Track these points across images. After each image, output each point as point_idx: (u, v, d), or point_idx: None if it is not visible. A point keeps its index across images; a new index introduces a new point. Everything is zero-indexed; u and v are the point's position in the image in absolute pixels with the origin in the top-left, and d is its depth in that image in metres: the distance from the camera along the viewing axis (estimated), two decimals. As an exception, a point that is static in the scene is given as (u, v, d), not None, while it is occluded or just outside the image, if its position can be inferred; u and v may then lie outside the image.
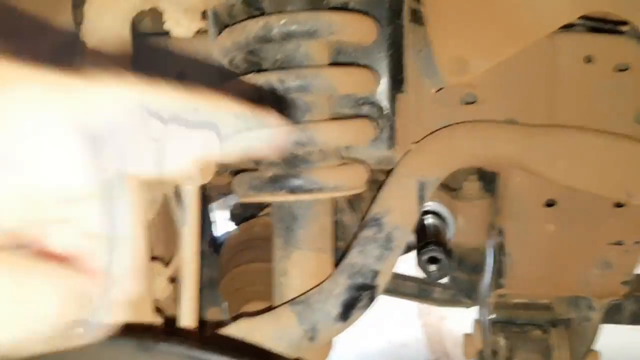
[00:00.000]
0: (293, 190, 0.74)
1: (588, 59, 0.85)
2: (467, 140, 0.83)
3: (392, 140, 0.89)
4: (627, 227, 0.93)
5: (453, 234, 1.18)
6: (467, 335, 1.14)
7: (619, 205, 0.92)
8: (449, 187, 1.18)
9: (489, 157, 0.85)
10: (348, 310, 0.71)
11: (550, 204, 0.93)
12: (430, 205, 1.19)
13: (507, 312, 1.13)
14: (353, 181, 0.78)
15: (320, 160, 0.77)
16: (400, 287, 1.50)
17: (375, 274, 0.72)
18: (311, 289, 0.73)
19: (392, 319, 2.74)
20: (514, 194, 0.94)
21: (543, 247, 0.97)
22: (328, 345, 0.81)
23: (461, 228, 1.16)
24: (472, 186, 1.08)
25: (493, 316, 1.12)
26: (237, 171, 0.82)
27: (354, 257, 0.74)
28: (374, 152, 0.90)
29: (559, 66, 0.86)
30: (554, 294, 1.02)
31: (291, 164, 0.76)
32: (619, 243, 0.94)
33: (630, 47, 0.84)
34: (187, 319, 0.65)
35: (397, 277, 1.49)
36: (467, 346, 1.12)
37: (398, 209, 0.76)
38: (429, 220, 1.18)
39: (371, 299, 0.72)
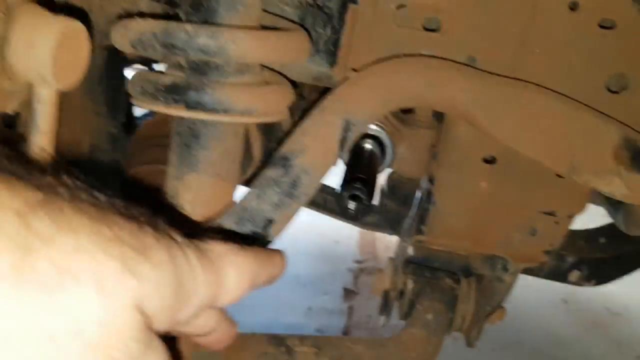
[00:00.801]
0: (191, 106, 0.62)
1: (573, 5, 0.72)
2: (412, 78, 0.71)
3: (334, 57, 0.77)
4: (563, 198, 0.86)
5: (390, 162, 1.09)
6: (379, 271, 1.10)
7: (560, 175, 0.84)
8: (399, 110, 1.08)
9: (434, 101, 0.74)
10: (231, 259, 0.62)
11: (488, 160, 0.84)
12: (371, 128, 1.09)
13: (423, 253, 1.09)
14: (270, 107, 0.66)
15: (235, 74, 0.64)
16: (329, 204, 1.43)
17: (269, 223, 0.62)
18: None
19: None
20: (454, 143, 0.84)
21: (471, 203, 0.89)
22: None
23: (401, 156, 1.06)
24: (425, 113, 0.97)
25: (408, 256, 1.07)
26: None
27: (248, 200, 0.63)
28: (311, 66, 0.78)
29: (539, 8, 0.73)
30: (472, 249, 0.97)
31: (197, 71, 0.63)
32: (550, 213, 0.88)
33: (621, 3, 0.71)
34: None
35: (323, 191, 1.42)
36: (377, 283, 1.08)
37: (313, 150, 0.65)
38: (367, 145, 1.08)
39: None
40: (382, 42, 0.75)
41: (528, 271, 1.28)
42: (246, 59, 0.60)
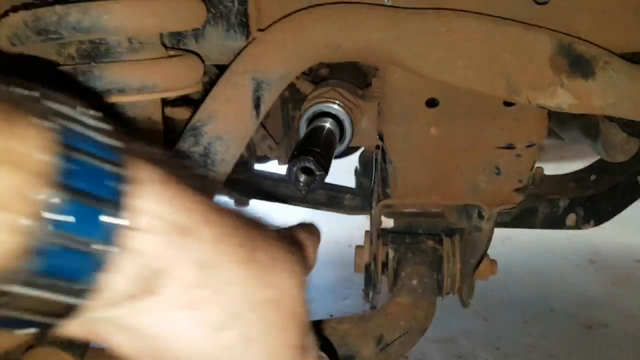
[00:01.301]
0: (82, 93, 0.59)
1: None
2: (322, 27, 0.68)
3: (246, 28, 0.74)
4: (518, 128, 0.81)
5: (350, 138, 1.06)
6: (358, 248, 1.05)
7: (508, 104, 0.79)
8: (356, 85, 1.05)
9: (351, 49, 0.70)
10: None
11: (431, 103, 0.80)
12: (329, 106, 1.06)
13: (401, 222, 1.04)
14: (172, 80, 0.63)
15: (128, 53, 0.62)
16: (309, 195, 1.39)
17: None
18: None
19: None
20: (393, 93, 0.81)
21: (426, 152, 0.85)
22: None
23: (365, 130, 1.03)
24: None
25: (384, 226, 1.02)
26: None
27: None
28: (228, 43, 0.75)
29: None
30: (443, 202, 0.92)
31: (87, 58, 0.60)
32: (509, 146, 0.83)
33: None
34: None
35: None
36: (357, 259, 1.03)
37: (224, 115, 0.62)
38: (324, 124, 1.05)
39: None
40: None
41: (523, 223, 1.23)
42: (125, 29, 0.58)
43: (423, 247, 0.98)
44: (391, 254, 0.98)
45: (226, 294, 0.33)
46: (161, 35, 0.68)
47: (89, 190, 0.27)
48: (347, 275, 2.79)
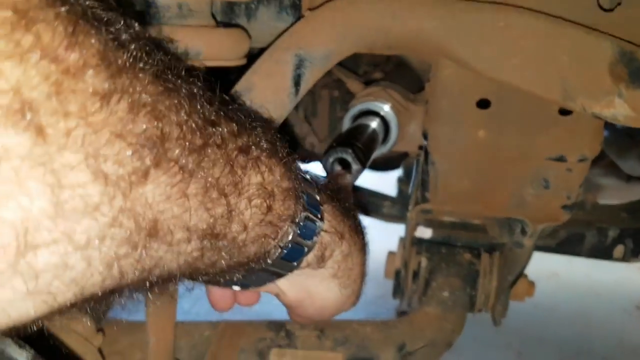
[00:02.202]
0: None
1: None
2: (373, 10, 0.66)
3: (298, 9, 0.73)
4: (571, 140, 0.77)
5: (395, 141, 1.03)
6: (390, 254, 1.02)
7: (564, 112, 0.75)
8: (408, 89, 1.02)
9: (402, 36, 0.68)
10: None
11: (483, 105, 0.77)
12: (377, 105, 1.04)
13: (440, 233, 1.00)
14: (216, 49, 0.62)
15: (177, 17, 0.61)
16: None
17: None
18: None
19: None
20: (442, 90, 0.78)
21: (472, 157, 0.81)
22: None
23: (412, 136, 1.00)
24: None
25: (420, 234, 0.99)
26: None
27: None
28: (279, 25, 0.74)
29: None
30: (485, 213, 0.88)
31: (135, 17, 0.60)
32: (560, 159, 0.78)
33: None
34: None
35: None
36: (388, 265, 1.00)
37: (262, 87, 0.61)
38: (370, 122, 1.03)
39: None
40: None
41: (568, 250, 1.17)
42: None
43: (459, 260, 0.94)
44: (424, 262, 0.95)
45: (352, 269, 0.53)
46: (212, 6, 0.67)
47: (313, 212, 0.47)
48: (382, 294, 2.74)
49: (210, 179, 0.31)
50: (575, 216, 1.12)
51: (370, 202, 1.35)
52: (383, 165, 1.88)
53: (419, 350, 0.83)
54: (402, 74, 1.20)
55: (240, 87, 0.61)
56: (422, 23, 0.66)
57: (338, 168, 0.82)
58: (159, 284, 0.35)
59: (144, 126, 0.27)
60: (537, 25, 0.65)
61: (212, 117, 0.33)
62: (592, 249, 1.15)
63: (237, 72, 0.67)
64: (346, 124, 0.99)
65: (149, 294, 0.37)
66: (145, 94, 0.27)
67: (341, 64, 1.26)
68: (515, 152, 0.79)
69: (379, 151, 0.99)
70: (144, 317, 0.77)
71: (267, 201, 0.38)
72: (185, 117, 0.29)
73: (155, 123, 0.27)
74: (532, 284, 0.96)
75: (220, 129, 0.33)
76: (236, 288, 0.52)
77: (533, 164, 0.80)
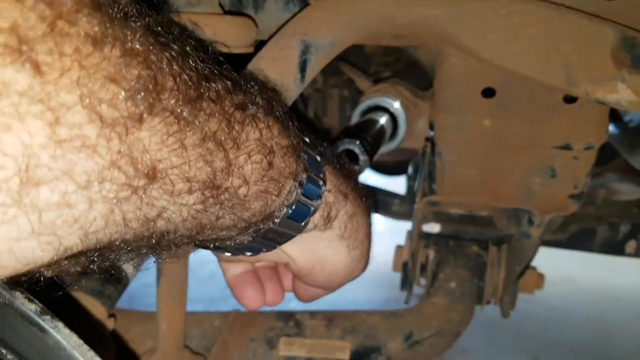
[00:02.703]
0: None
1: None
2: (377, -2, 0.67)
3: (304, 0, 0.75)
4: (576, 128, 0.77)
5: (403, 138, 1.04)
6: (398, 248, 1.03)
7: (568, 100, 0.75)
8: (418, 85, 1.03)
9: (406, 23, 0.69)
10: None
11: (488, 93, 0.78)
12: (387, 101, 1.05)
13: (448, 228, 1.01)
14: (222, 35, 0.64)
15: (185, 5, 0.63)
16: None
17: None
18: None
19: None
20: (448, 79, 0.79)
21: (478, 146, 0.82)
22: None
23: (421, 132, 1.01)
24: None
25: (428, 229, 0.99)
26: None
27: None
28: (286, 15, 0.75)
29: None
30: (492, 204, 0.88)
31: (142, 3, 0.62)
32: (566, 147, 0.79)
33: None
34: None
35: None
36: (396, 258, 1.01)
37: (268, 72, 0.62)
38: (379, 118, 1.04)
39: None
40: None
41: (579, 245, 1.16)
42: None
43: (466, 252, 0.94)
44: (432, 255, 0.95)
45: (358, 230, 0.55)
46: (220, -1, 0.69)
47: (315, 173, 0.48)
48: (393, 297, 2.73)
49: (207, 131, 0.32)
50: (586, 211, 1.12)
51: (380, 201, 1.36)
52: (393, 169, 1.89)
53: (426, 340, 0.83)
54: (411, 72, 1.21)
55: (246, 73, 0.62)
56: (426, 11, 0.67)
57: (345, 160, 0.83)
58: (166, 245, 0.35)
59: (137, 72, 0.28)
60: (539, 12, 0.66)
61: (206, 73, 0.34)
62: (603, 245, 1.15)
63: (244, 60, 0.69)
64: (355, 119, 1.00)
65: (159, 255, 0.37)
66: (137, 43, 0.28)
67: (351, 63, 1.28)
68: (521, 140, 0.80)
69: (387, 147, 1.00)
70: (155, 308, 0.78)
71: (267, 157, 0.39)
72: (178, 70, 0.31)
73: (148, 72, 0.29)
74: (541, 276, 0.96)
75: (215, 85, 0.34)
76: (247, 254, 0.52)
77: (539, 152, 0.80)
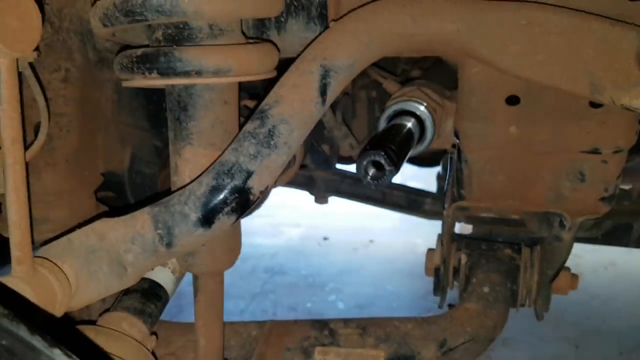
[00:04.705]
0: (163, 72, 0.63)
1: None
2: (395, 16, 0.68)
3: (325, 20, 0.76)
4: (604, 132, 0.76)
5: (430, 140, 1.04)
6: (429, 251, 1.03)
7: (594, 104, 0.75)
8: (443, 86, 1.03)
9: (425, 40, 0.69)
10: (212, 215, 0.61)
11: (512, 101, 0.77)
12: (413, 105, 1.05)
13: (480, 229, 1.01)
14: (246, 64, 0.66)
15: (208, 38, 0.65)
16: (387, 197, 1.38)
17: (248, 174, 0.61)
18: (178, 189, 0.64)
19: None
20: (470, 88, 0.79)
21: (505, 153, 0.82)
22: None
23: (450, 133, 1.01)
24: None
25: (460, 231, 0.99)
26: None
27: (226, 155, 0.63)
28: (307, 35, 0.77)
29: None
30: (523, 208, 0.88)
31: (170, 41, 0.64)
32: (594, 151, 0.78)
33: None
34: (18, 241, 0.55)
35: (385, 186, 1.38)
36: (428, 262, 1.01)
37: (290, 99, 0.63)
38: (406, 122, 1.04)
39: (243, 204, 0.62)
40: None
41: (615, 241, 1.15)
42: (203, 13, 0.61)
43: (499, 255, 0.94)
44: (464, 259, 0.95)
45: None
46: (242, 25, 0.71)
47: None
48: (431, 288, 2.73)
49: None
50: (621, 206, 1.11)
51: (411, 200, 1.37)
52: (426, 160, 1.88)
53: (460, 347, 0.84)
54: (440, 70, 1.21)
55: (269, 100, 0.64)
56: (444, 26, 0.68)
57: (372, 170, 0.84)
58: None
59: None
60: (560, 20, 0.66)
61: None
62: (640, 239, 1.13)
63: (266, 84, 0.71)
64: (382, 125, 1.01)
65: None
66: None
67: (378, 65, 1.28)
68: (549, 146, 0.79)
69: (415, 150, 1.00)
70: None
71: None
72: None
73: None
74: (575, 277, 0.96)
75: None
76: None
77: (567, 157, 0.79)
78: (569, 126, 0.77)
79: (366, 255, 2.82)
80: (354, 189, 1.41)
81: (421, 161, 1.85)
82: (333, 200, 1.55)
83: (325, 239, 3.05)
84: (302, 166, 1.37)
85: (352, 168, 1.46)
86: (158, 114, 1.13)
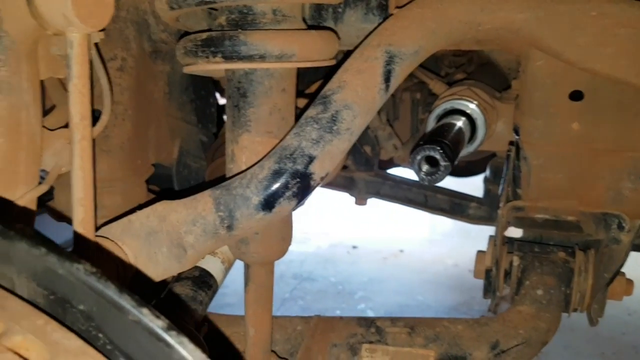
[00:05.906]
0: (228, 56, 0.63)
1: None
2: (462, 4, 0.67)
3: (386, 9, 0.75)
4: (672, 130, 0.74)
5: (481, 140, 1.02)
6: (479, 253, 1.01)
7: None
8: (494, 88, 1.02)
9: (492, 29, 0.68)
10: (273, 199, 0.60)
11: (576, 96, 0.75)
12: (465, 104, 1.03)
13: (531, 232, 0.98)
14: (309, 50, 0.65)
15: (272, 23, 0.65)
16: (430, 200, 1.36)
17: (310, 159, 0.60)
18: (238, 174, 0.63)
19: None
20: (534, 82, 0.77)
21: (566, 150, 0.80)
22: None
23: (499, 134, 0.99)
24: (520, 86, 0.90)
25: (511, 233, 0.97)
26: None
27: (288, 139, 0.62)
28: (366, 26, 0.76)
29: None
30: (580, 209, 0.86)
31: (234, 25, 0.64)
32: (660, 150, 0.75)
33: None
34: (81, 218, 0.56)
35: (427, 189, 1.36)
36: (478, 264, 0.99)
37: (353, 85, 0.62)
38: (457, 122, 1.02)
39: (304, 189, 0.61)
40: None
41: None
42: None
43: (552, 258, 0.92)
44: (516, 261, 0.93)
45: None
46: (303, 11, 0.70)
47: None
48: (465, 301, 2.68)
49: None
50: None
51: (455, 204, 1.34)
52: (462, 170, 1.85)
53: (512, 349, 0.82)
54: (486, 73, 1.19)
55: (332, 85, 0.63)
56: (512, 15, 0.66)
57: (426, 166, 0.82)
58: None
59: None
60: (632, 12, 0.64)
61: None
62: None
63: (327, 73, 0.70)
64: (430, 124, 0.99)
65: None
66: None
67: (422, 66, 1.27)
68: (611, 144, 0.77)
69: (466, 150, 0.98)
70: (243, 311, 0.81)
71: None
72: None
73: None
74: (630, 282, 0.92)
75: None
76: None
77: (630, 156, 0.77)
78: (633, 124, 0.75)
79: (396, 265, 2.79)
80: (395, 191, 1.39)
81: (456, 171, 1.83)
82: (361, 209, 1.54)
83: (354, 247, 3.03)
84: (343, 167, 1.36)
85: (393, 171, 1.45)
86: (205, 109, 1.14)
